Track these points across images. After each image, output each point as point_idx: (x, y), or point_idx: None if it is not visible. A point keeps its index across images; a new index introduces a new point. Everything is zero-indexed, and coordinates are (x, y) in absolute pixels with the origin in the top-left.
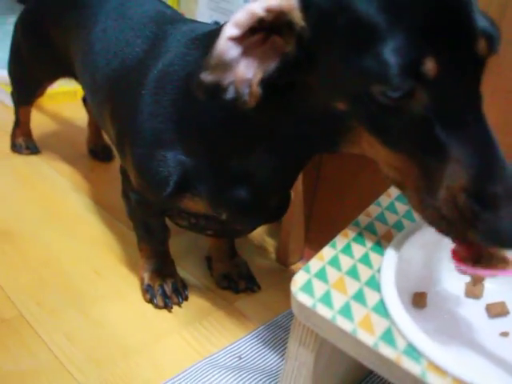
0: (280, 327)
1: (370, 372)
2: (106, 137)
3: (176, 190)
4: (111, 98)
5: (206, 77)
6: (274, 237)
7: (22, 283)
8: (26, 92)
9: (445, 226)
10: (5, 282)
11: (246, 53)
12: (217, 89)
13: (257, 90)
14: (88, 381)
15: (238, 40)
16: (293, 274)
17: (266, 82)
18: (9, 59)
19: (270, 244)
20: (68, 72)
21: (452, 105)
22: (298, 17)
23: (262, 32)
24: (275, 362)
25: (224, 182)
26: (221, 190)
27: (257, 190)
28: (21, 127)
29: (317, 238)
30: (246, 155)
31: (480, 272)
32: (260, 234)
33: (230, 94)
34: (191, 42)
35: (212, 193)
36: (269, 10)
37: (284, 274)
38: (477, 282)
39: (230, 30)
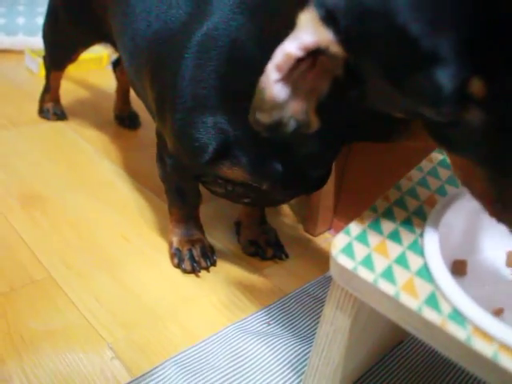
0: (308, 295)
1: (400, 342)
2: (135, 103)
3: (215, 157)
4: (152, 61)
5: (265, 119)
6: (303, 206)
7: (51, 246)
8: (59, 56)
9: None
10: (34, 245)
11: (296, 87)
12: (278, 125)
13: (315, 116)
14: (116, 342)
15: (284, 79)
16: (320, 243)
17: (323, 102)
18: (44, 22)
19: (298, 214)
20: (104, 37)
21: None
22: (337, 50)
23: (311, 57)
24: (304, 329)
25: (266, 153)
26: (262, 160)
27: (299, 164)
28: (50, 93)
29: (345, 210)
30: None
31: None
32: (288, 203)
33: (291, 126)
34: (237, 5)
35: (253, 163)
36: (305, 49)
37: (311, 244)
38: None
39: (273, 75)
